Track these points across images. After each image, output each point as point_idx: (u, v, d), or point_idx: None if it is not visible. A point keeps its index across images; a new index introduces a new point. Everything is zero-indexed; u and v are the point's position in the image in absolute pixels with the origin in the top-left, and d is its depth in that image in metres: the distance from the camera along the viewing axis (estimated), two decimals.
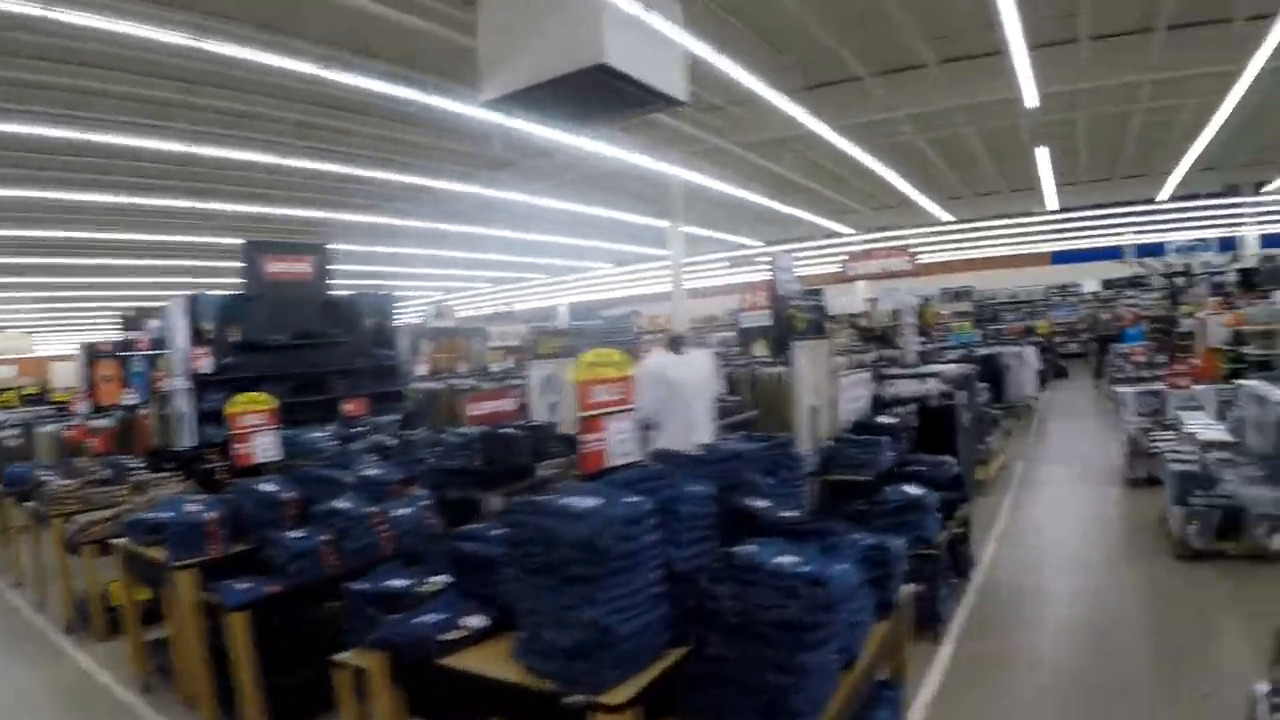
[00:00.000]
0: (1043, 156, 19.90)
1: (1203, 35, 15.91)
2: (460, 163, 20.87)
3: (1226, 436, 7.57)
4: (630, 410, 4.67)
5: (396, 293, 15.67)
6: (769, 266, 14.77)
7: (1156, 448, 9.95)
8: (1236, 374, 16.46)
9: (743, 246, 34.92)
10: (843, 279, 30.68)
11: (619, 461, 4.52)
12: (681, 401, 6.89)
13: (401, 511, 5.39)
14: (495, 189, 21.57)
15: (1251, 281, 21.17)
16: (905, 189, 24.46)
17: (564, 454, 6.65)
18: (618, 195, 25.38)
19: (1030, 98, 14.54)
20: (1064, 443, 14.54)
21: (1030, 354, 17.51)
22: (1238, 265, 23.68)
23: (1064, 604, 6.96)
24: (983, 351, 15.63)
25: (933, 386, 7.87)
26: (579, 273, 40.44)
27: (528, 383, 9.71)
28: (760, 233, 33.13)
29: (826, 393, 6.93)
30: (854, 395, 7.39)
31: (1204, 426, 8.10)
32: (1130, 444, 10.50)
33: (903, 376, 8.13)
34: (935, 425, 7.63)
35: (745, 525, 3.67)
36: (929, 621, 6.18)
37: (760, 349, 13.59)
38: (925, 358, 14.91)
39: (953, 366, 9.32)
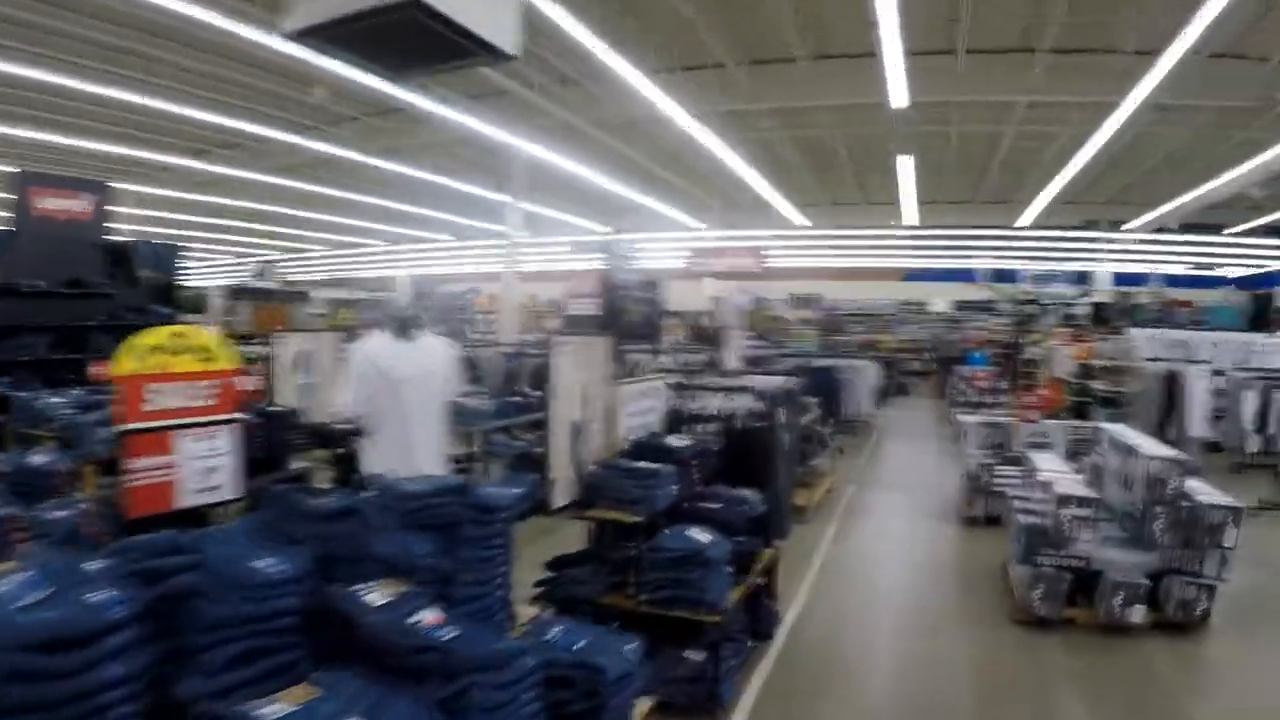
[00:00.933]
0: (906, 166, 19.03)
1: (1084, 63, 15.43)
2: (293, 112, 19.09)
3: (1083, 488, 6.41)
4: (225, 423, 3.00)
5: (217, 249, 13.78)
6: (603, 252, 13.47)
7: (1000, 487, 8.93)
8: (1081, 408, 16.02)
9: (592, 233, 33.41)
10: (689, 275, 29.56)
11: (200, 500, 2.86)
12: (398, 405, 5.25)
13: (57, 514, 3.60)
14: (334, 145, 20.01)
15: (1103, 316, 21.02)
16: (762, 188, 23.34)
17: (307, 448, 6.20)
18: (462, 165, 23.77)
19: (899, 98, 13.57)
20: (900, 467, 13.54)
21: (871, 369, 16.55)
22: (1091, 299, 23.56)
23: (882, 675, 5.75)
24: (819, 363, 14.50)
25: (744, 402, 6.46)
26: (418, 242, 37.98)
27: (273, 359, 8.02)
28: (612, 221, 31.74)
29: (600, 405, 5.41)
30: (642, 409, 5.90)
31: (1057, 472, 6.94)
32: (970, 480, 9.42)
33: (709, 389, 6.68)
34: (744, 449, 6.23)
35: (343, 641, 2.13)
36: (706, 704, 4.79)
37: None
38: (757, 364, 13.82)
39: (774, 379, 7.94)
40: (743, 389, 6.60)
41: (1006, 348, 24.92)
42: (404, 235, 37.09)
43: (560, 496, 4.88)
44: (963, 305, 34.07)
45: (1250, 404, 10.86)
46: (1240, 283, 30.72)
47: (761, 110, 18.52)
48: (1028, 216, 28.45)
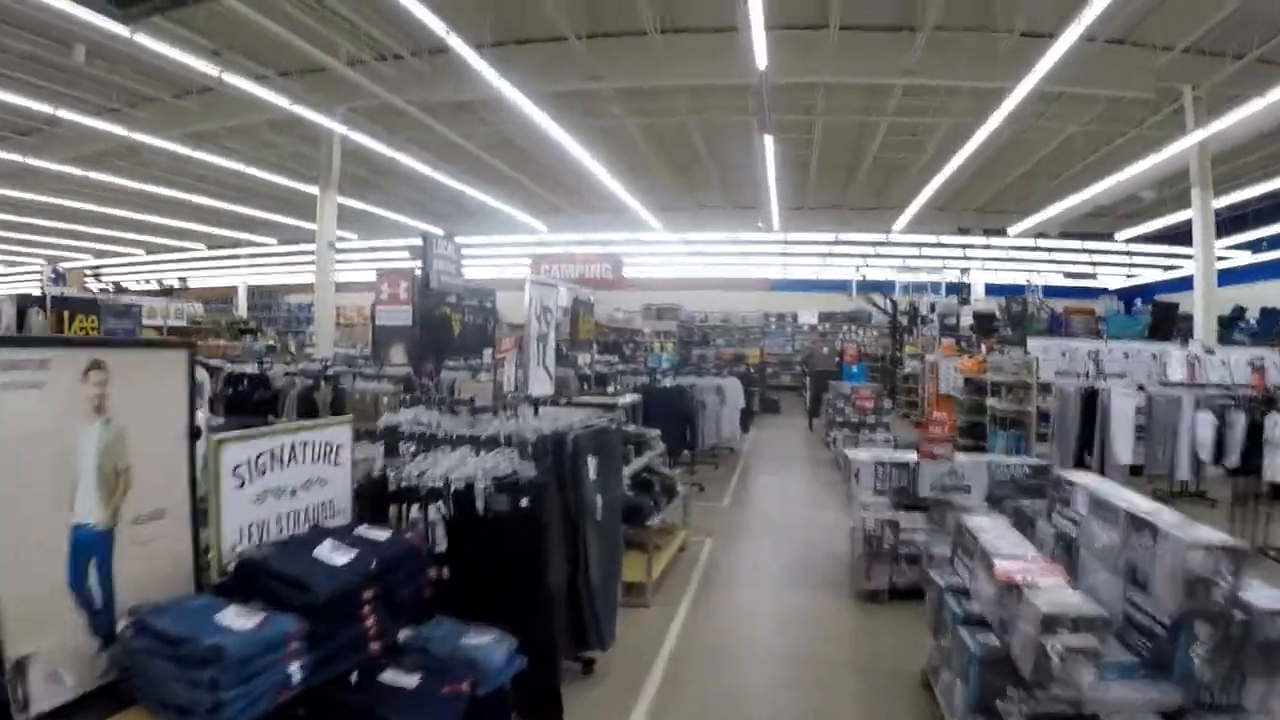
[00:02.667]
0: (769, 154, 16.63)
1: (968, 43, 14.02)
2: (87, 90, 16.31)
3: (1080, 602, 3.86)
4: None
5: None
6: (419, 252, 11.00)
7: (909, 553, 6.51)
8: (974, 430, 13.91)
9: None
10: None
11: None
12: None
13: None
14: (134, 129, 16.87)
15: (986, 327, 19.23)
16: (614, 187, 20.76)
17: None
18: (281, 157, 21.05)
19: (761, 59, 11.34)
20: (772, 509, 10.97)
21: (735, 387, 14.02)
22: (974, 309, 21.81)
23: None
24: (672, 381, 11.86)
25: (492, 465, 3.73)
26: (243, 246, 34.04)
27: None
28: (455, 224, 28.68)
29: (169, 484, 2.61)
30: (302, 480, 3.08)
31: (1016, 557, 4.36)
32: (868, 542, 6.87)
33: (440, 440, 3.96)
34: (489, 549, 3.49)
35: None
36: None
37: (399, 355, 10.92)
38: (602, 381, 11.29)
39: (578, 412, 5.22)
40: (497, 441, 3.87)
41: (883, 361, 23.14)
42: (225, 238, 33.04)
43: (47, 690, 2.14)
44: (829, 316, 33.07)
45: (1205, 428, 8.73)
46: (1122, 294, 29.96)
47: (608, 91, 16.19)
48: (900, 223, 26.78)
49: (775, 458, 15.24)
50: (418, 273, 11.46)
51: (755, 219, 26.92)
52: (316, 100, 15.67)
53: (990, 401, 14.25)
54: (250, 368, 10.68)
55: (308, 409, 9.03)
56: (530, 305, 6.37)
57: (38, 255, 34.06)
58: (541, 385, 6.67)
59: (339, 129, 16.65)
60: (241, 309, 34.49)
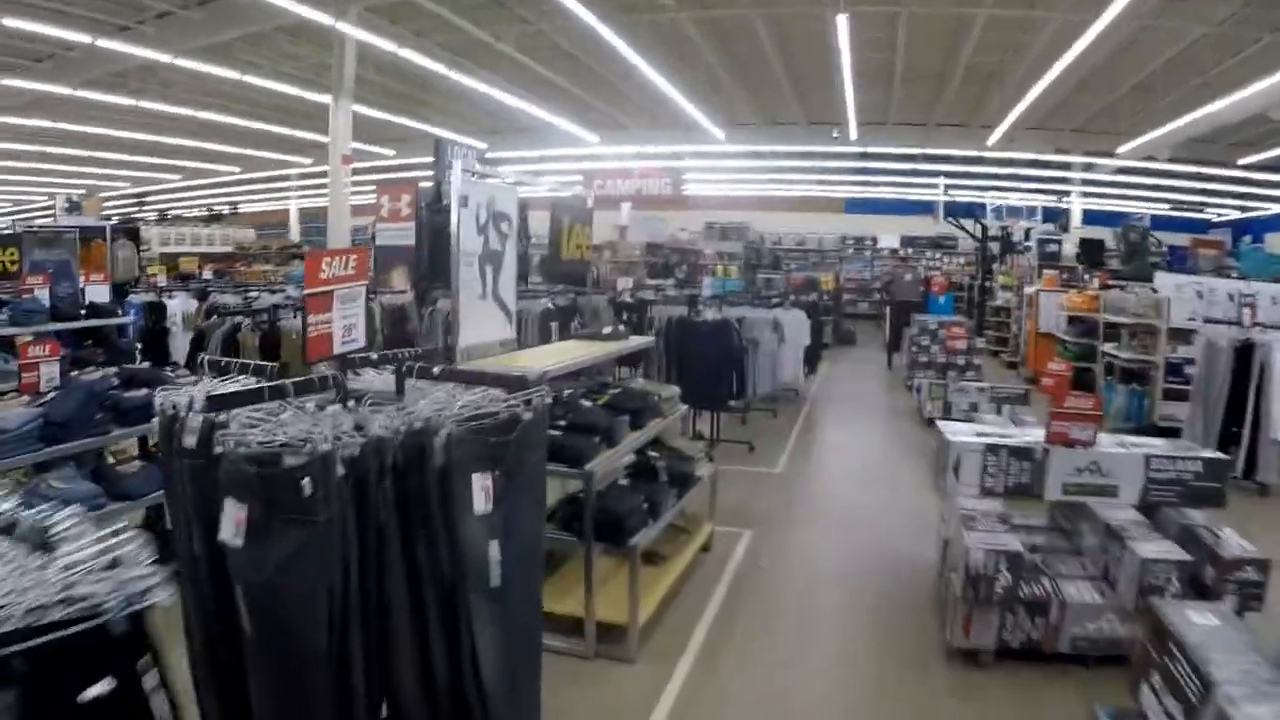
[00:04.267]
0: (844, 36, 13.53)
1: None
2: (87, 7, 14.46)
3: None
4: None
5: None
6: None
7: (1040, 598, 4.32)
8: (1081, 380, 11.53)
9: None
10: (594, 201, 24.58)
11: None
12: None
13: None
14: (143, 46, 15.17)
15: (1097, 259, 16.57)
16: (670, 93, 18.18)
17: None
18: (304, 68, 18.85)
19: None
20: (837, 484, 8.70)
21: (797, 321, 11.58)
22: (1081, 236, 19.10)
23: None
24: (713, 314, 9.37)
25: None
26: (290, 167, 32.20)
27: None
28: (503, 139, 26.35)
29: None
30: None
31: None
32: (972, 584, 4.53)
33: None
34: None
35: None
36: None
37: (401, 280, 9.88)
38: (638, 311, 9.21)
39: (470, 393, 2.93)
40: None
41: (972, 292, 20.59)
42: (267, 160, 31.23)
43: None
44: (912, 241, 30.86)
45: None
46: (1235, 227, 26.79)
47: None
48: (994, 138, 23.78)
49: (847, 405, 12.91)
50: (425, 185, 9.72)
51: (830, 133, 24.07)
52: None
53: (1106, 347, 11.85)
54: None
55: (232, 352, 7.09)
56: (457, 205, 4.17)
57: (74, 185, 32.58)
58: (487, 327, 4.51)
59: (348, 29, 14.49)
60: (294, 233, 33.25)
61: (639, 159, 26.67)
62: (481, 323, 4.61)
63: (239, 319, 7.49)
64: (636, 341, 5.76)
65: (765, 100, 22.95)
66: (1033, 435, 5.30)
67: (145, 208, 35.74)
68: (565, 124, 22.28)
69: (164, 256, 18.96)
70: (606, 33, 13.53)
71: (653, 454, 5.24)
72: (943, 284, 17.46)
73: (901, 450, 9.69)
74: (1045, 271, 16.86)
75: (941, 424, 5.73)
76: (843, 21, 12.35)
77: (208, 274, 16.31)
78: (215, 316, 8.10)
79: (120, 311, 8.74)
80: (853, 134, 22.05)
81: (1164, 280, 11.54)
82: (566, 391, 4.96)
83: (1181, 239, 18.54)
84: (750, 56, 18.89)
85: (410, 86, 20.65)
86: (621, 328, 5.84)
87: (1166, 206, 28.14)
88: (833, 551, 6.42)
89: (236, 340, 7.13)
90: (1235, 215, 28.58)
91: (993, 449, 5.13)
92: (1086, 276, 15.94)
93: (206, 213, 32.77)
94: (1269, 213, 26.25)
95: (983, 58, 17.75)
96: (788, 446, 9.67)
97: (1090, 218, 27.24)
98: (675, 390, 5.64)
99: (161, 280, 13.72)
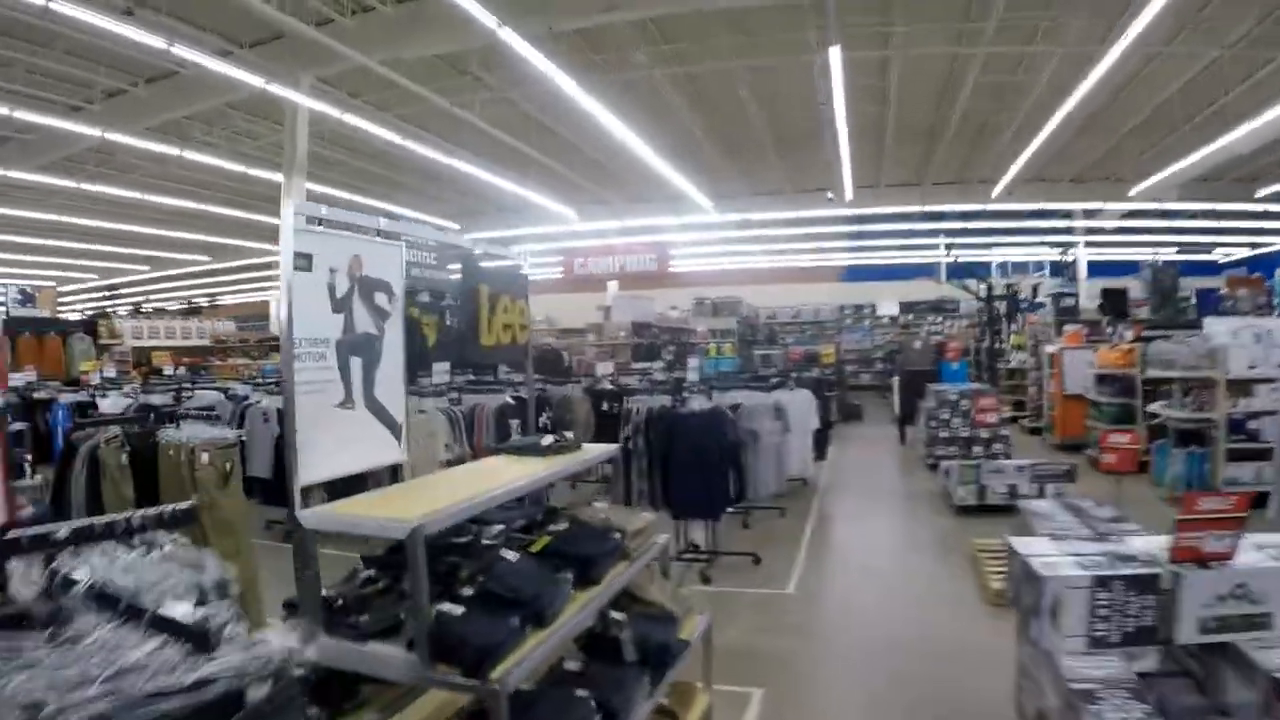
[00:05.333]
0: (836, 63, 11.88)
1: None
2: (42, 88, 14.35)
3: None
4: None
5: None
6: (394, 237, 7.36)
7: None
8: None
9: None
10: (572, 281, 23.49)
11: None
12: None
13: None
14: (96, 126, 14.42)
15: (1121, 308, 15.24)
16: (648, 158, 16.91)
17: None
18: (263, 147, 18.43)
19: None
20: (865, 602, 6.92)
21: (803, 403, 10.00)
22: (1102, 286, 17.78)
23: None
24: (699, 403, 7.63)
25: None
26: (264, 256, 31.18)
27: None
28: (475, 219, 25.19)
29: None
30: None
31: None
32: None
33: None
34: None
35: None
36: None
37: None
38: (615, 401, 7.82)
39: None
40: None
41: (979, 355, 19.22)
42: (237, 249, 30.16)
43: None
44: (911, 306, 30.21)
45: None
46: (1248, 266, 25.65)
47: (624, 28, 12.56)
48: (996, 191, 22.80)
49: (864, 494, 11.23)
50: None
51: (820, 200, 22.90)
52: (275, 70, 12.70)
53: (1156, 407, 10.39)
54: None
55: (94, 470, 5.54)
56: (289, 268, 2.70)
57: (34, 276, 31.34)
58: (353, 451, 2.96)
59: (299, 99, 13.37)
60: (274, 325, 32.21)
61: (622, 234, 25.51)
62: (341, 445, 3.10)
63: (110, 429, 5.85)
64: (590, 454, 4.18)
65: (750, 165, 21.98)
66: (1129, 544, 3.81)
67: (117, 300, 34.85)
68: (540, 199, 21.05)
69: (136, 351, 18.65)
70: (573, 89, 12.27)
71: (615, 615, 3.64)
72: (957, 349, 15.99)
73: (936, 551, 8.06)
74: (1066, 327, 15.48)
75: (1018, 544, 4.18)
76: (835, 54, 10.95)
77: (176, 369, 15.48)
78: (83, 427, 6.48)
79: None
80: (848, 194, 20.75)
81: (1214, 326, 10.11)
82: (494, 529, 3.41)
83: (1191, 283, 17.33)
84: (733, 118, 17.91)
85: (380, 166, 20.09)
86: (567, 435, 4.20)
87: (1174, 250, 27.20)
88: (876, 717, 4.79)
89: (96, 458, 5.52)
90: (1245, 254, 27.60)
91: (1103, 582, 3.58)
92: (1110, 330, 14.58)
93: (185, 305, 31.93)
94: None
95: (979, 103, 16.75)
96: (800, 555, 7.98)
97: (1095, 269, 26.58)
98: (648, 518, 4.05)
99: (95, 378, 12.46)
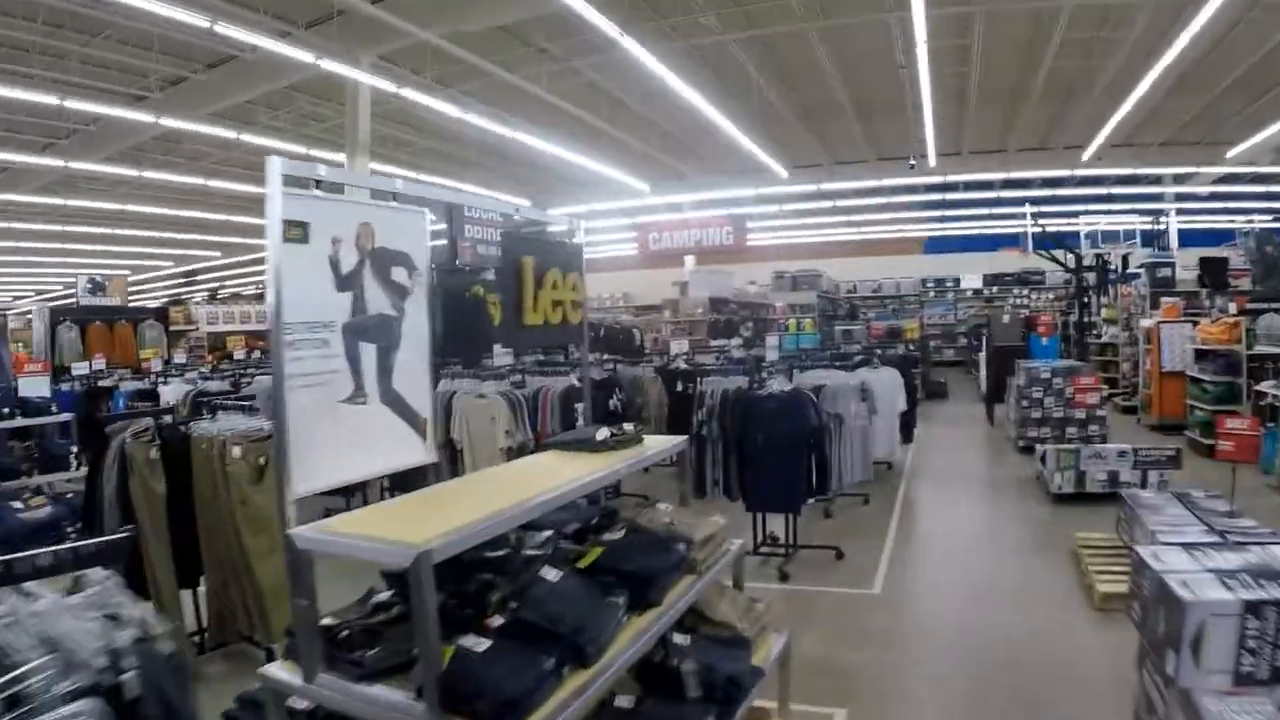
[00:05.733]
0: (919, 18, 10.96)
1: None
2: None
3: None
4: None
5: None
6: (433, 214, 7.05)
7: None
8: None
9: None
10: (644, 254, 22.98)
11: None
12: None
13: None
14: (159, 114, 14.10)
15: (1221, 280, 14.29)
16: (722, 124, 16.22)
17: None
18: (330, 130, 18.38)
19: None
20: (958, 602, 6.29)
21: (889, 382, 9.36)
22: (1200, 255, 16.72)
23: None
24: (779, 384, 6.99)
25: None
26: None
27: None
28: (550, 195, 24.75)
29: None
30: None
31: None
32: None
33: None
34: None
35: None
36: None
37: None
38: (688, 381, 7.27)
39: None
40: None
41: (1068, 329, 18.23)
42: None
43: None
44: (995, 279, 28.93)
45: None
46: None
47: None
48: (1087, 154, 21.59)
49: (953, 479, 10.50)
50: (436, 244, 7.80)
51: (902, 168, 21.96)
52: (334, 50, 12.40)
53: (1266, 386, 9.67)
54: None
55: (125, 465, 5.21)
56: (277, 235, 2.23)
57: (106, 266, 31.98)
58: (362, 455, 2.49)
59: (355, 74, 13.12)
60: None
61: (698, 208, 24.88)
62: (351, 446, 2.64)
63: (144, 421, 5.48)
64: (652, 449, 3.65)
65: (829, 134, 21.16)
66: (1274, 555, 3.23)
67: (194, 287, 35.38)
68: (613, 172, 20.46)
69: (211, 336, 19.22)
70: (643, 54, 11.66)
71: (677, 639, 3.13)
72: (1049, 324, 15.10)
73: (1034, 545, 7.37)
74: (1162, 300, 14.49)
75: (1148, 556, 3.56)
76: (919, 8, 10.14)
77: (250, 354, 15.54)
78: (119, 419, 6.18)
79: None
80: (931, 161, 19.84)
81: None
82: (540, 536, 2.92)
83: None
84: (809, 83, 17.05)
85: (447, 144, 19.83)
86: (626, 427, 3.67)
87: (1268, 219, 25.37)
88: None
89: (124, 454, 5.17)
90: None
91: (1254, 608, 2.97)
92: (1209, 302, 13.61)
93: (258, 290, 32.33)
94: None
95: (1065, 62, 15.68)
96: (885, 549, 7.36)
97: (1185, 239, 24.90)
98: (719, 522, 3.53)
99: (156, 365, 12.39)
